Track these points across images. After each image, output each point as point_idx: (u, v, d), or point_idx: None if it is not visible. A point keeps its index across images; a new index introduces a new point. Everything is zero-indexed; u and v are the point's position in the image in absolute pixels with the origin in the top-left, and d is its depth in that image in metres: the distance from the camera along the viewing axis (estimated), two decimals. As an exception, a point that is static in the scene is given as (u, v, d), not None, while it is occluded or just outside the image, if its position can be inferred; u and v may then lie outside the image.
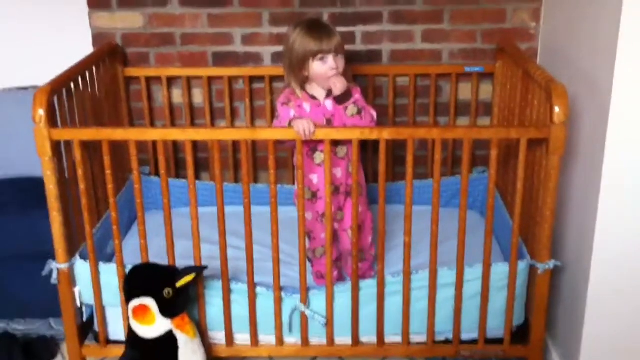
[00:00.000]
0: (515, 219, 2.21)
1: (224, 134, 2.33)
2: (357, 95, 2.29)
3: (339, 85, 2.22)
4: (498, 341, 2.33)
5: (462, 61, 2.97)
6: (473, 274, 2.25)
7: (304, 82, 2.32)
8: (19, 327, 2.73)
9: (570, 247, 2.34)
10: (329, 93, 2.31)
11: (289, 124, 2.16)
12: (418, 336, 2.33)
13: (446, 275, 2.25)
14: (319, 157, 2.33)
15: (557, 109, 2.04)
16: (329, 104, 2.31)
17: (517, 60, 2.55)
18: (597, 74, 2.11)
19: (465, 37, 2.94)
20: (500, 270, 2.25)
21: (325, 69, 2.24)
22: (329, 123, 2.30)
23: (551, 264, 2.20)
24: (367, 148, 2.94)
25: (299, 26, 2.28)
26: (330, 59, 2.23)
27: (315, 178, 2.36)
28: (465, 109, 3.00)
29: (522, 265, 2.24)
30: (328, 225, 2.21)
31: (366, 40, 2.96)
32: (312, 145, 2.31)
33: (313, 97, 2.32)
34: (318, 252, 2.47)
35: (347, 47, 2.91)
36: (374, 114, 2.31)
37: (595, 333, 2.19)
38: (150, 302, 2.13)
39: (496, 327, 2.31)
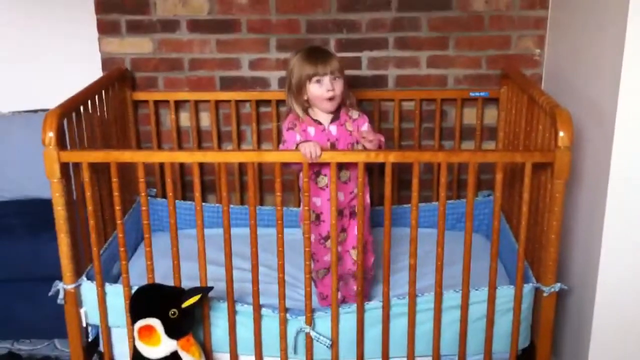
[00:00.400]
0: (520, 242, 2.21)
1: (231, 156, 2.36)
2: (366, 124, 2.36)
3: (369, 146, 2.27)
4: (503, 364, 2.33)
5: (467, 86, 3.00)
6: (478, 297, 2.25)
7: (305, 106, 2.35)
8: (24, 347, 2.74)
9: (575, 270, 2.34)
10: (334, 118, 2.34)
11: (296, 147, 2.19)
12: (423, 358, 2.32)
13: (451, 298, 2.25)
14: (322, 180, 2.35)
15: (561, 134, 2.06)
16: (333, 128, 2.35)
17: (522, 85, 2.57)
18: (601, 100, 2.13)
19: (470, 62, 2.98)
20: (505, 293, 2.25)
21: (322, 91, 2.28)
22: (333, 147, 2.32)
23: (557, 287, 2.20)
24: (373, 171, 2.95)
25: (299, 52, 2.35)
26: (326, 80, 2.27)
27: (318, 201, 2.38)
28: (470, 133, 3.03)
29: (528, 288, 2.24)
30: (333, 247, 2.22)
31: (372, 66, 3.00)
32: (315, 169, 2.33)
33: (317, 122, 2.34)
34: (321, 274, 2.47)
35: (354, 72, 2.96)
36: (382, 139, 2.36)
37: (601, 356, 2.19)
38: (155, 322, 2.13)
39: (502, 350, 2.30)
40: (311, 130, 2.34)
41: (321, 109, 2.34)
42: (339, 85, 2.30)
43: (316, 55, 2.31)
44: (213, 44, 2.99)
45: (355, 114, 2.39)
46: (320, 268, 2.46)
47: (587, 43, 2.32)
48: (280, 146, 2.38)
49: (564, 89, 2.58)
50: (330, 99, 2.29)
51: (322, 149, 2.14)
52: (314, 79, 2.28)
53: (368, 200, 2.45)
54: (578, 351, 2.28)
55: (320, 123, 2.35)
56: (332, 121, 2.35)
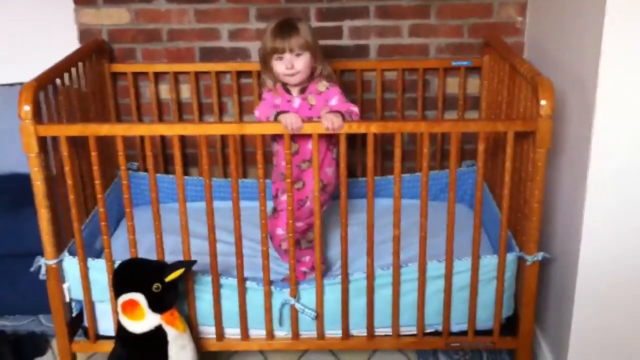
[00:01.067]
0: (503, 211, 2.22)
1: (212, 128, 2.33)
2: (335, 97, 2.32)
3: (336, 126, 2.09)
4: (487, 333, 2.34)
5: (450, 55, 2.97)
6: (462, 267, 2.26)
7: (274, 79, 2.37)
8: (8, 323, 2.72)
9: (558, 239, 2.35)
10: (302, 91, 2.36)
11: (276, 117, 2.17)
12: (408, 328, 2.34)
13: (435, 268, 2.26)
14: (293, 146, 2.31)
15: (543, 102, 2.05)
16: (297, 101, 2.36)
17: (504, 54, 2.56)
18: (583, 69, 2.12)
19: (452, 31, 2.95)
20: (489, 263, 2.26)
21: (282, 68, 2.28)
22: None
23: (539, 256, 2.21)
24: (356, 142, 2.94)
25: (269, 25, 2.34)
26: (286, 57, 2.27)
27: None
28: (453, 103, 3.02)
29: (511, 257, 2.26)
30: (317, 220, 2.22)
31: (353, 35, 2.96)
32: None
33: (288, 92, 2.36)
34: (284, 245, 2.48)
35: (334, 42, 2.93)
36: (356, 110, 2.28)
37: (583, 324, 2.20)
38: (139, 297, 2.12)
39: (485, 318, 2.32)
40: (278, 100, 2.36)
41: (288, 83, 2.35)
42: (300, 62, 2.28)
43: (279, 30, 2.28)
44: (191, 14, 2.94)
45: (323, 86, 2.36)
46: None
47: (569, 10, 2.31)
48: (260, 104, 2.38)
49: (546, 57, 2.57)
50: (291, 75, 2.28)
51: (303, 120, 2.13)
52: (275, 55, 2.28)
53: (330, 174, 2.43)
54: (561, 319, 2.30)
55: (290, 93, 2.37)
56: (300, 93, 2.36)
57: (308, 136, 2.22)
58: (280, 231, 2.46)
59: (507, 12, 2.92)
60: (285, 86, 2.38)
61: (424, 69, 2.96)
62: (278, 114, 2.18)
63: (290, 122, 2.11)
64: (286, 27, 2.30)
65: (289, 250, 2.24)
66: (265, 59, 2.33)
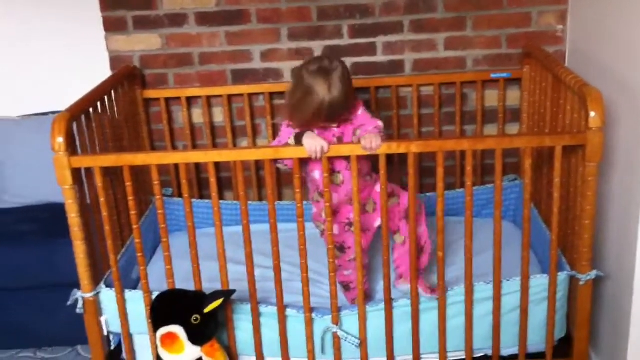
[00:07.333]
0: (553, 229, 2.12)
1: (247, 154, 2.28)
2: (361, 109, 2.25)
3: (374, 145, 2.04)
4: (539, 356, 2.25)
5: (488, 67, 2.89)
6: (511, 288, 2.17)
7: None
8: (46, 355, 2.70)
9: (611, 256, 2.25)
10: None
11: (296, 138, 2.10)
12: (455, 353, 2.25)
13: (482, 290, 2.17)
14: (337, 178, 2.26)
15: (592, 114, 1.96)
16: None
17: (546, 64, 2.47)
18: (631, 76, 2.03)
19: (489, 42, 2.87)
20: (539, 283, 2.16)
21: None
22: (340, 141, 2.20)
23: (593, 274, 2.11)
24: (393, 159, 2.86)
25: None
26: None
27: (335, 198, 2.28)
28: (493, 116, 2.93)
29: (562, 277, 2.16)
30: (357, 249, 2.14)
31: (388, 51, 2.90)
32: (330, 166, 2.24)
33: None
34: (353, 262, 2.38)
35: (368, 58, 2.89)
36: (381, 124, 2.19)
37: (642, 345, 2.10)
38: (178, 330, 2.07)
39: (537, 341, 2.23)
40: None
41: None
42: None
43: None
44: (222, 36, 2.90)
45: None
46: (352, 255, 2.35)
47: (615, 16, 2.22)
48: (274, 142, 2.27)
49: (590, 65, 2.48)
50: None
51: (331, 144, 2.05)
52: None
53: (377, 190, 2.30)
54: (617, 339, 2.20)
55: None
56: None
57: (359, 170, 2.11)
58: (346, 272, 2.39)
59: (546, 21, 2.83)
60: None
61: (462, 83, 2.88)
62: (297, 136, 2.11)
63: (316, 147, 2.02)
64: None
65: (330, 276, 2.17)
66: None
